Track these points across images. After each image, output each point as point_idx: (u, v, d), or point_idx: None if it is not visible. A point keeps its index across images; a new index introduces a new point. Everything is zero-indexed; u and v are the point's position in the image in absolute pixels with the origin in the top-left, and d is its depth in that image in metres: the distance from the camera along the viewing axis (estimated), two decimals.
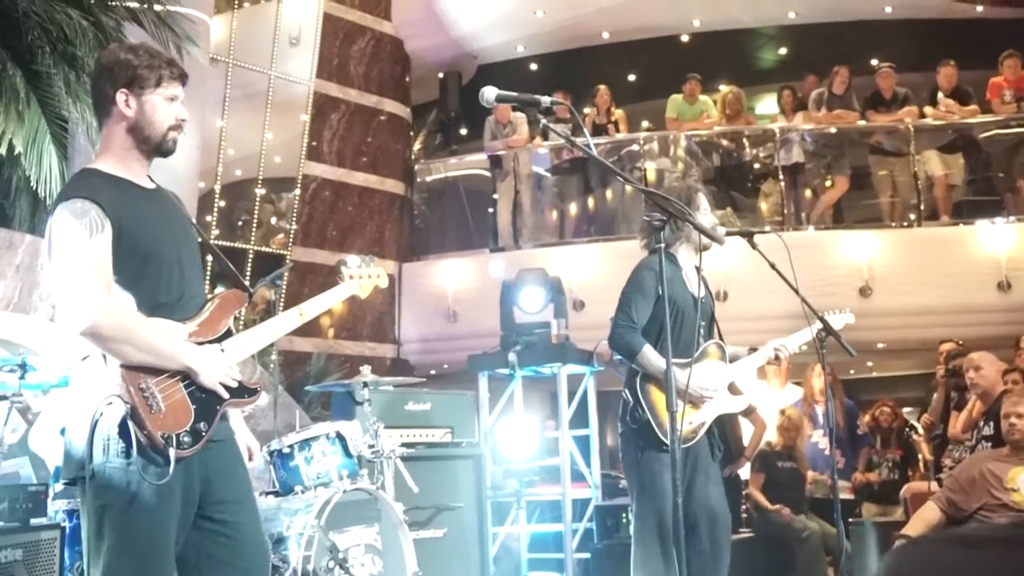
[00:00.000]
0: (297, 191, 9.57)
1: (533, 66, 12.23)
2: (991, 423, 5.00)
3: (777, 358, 3.89)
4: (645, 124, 11.35)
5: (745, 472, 6.51)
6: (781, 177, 9.46)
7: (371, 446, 4.16)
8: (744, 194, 9.78)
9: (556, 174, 10.20)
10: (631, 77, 12.43)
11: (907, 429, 6.91)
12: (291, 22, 9.66)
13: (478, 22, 11.27)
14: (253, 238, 9.26)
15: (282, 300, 8.71)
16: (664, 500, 3.51)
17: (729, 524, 3.78)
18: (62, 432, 2.45)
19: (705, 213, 3.80)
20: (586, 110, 10.15)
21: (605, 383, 6.30)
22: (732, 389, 3.85)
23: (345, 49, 10.35)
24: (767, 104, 11.88)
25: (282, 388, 6.49)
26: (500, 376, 5.97)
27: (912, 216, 9.24)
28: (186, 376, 2.41)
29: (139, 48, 2.58)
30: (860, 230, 9.12)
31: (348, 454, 4.07)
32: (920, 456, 6.81)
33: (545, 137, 9.92)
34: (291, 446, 3.99)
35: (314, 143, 9.85)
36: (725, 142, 9.84)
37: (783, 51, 12.46)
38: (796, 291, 3.43)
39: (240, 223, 9.37)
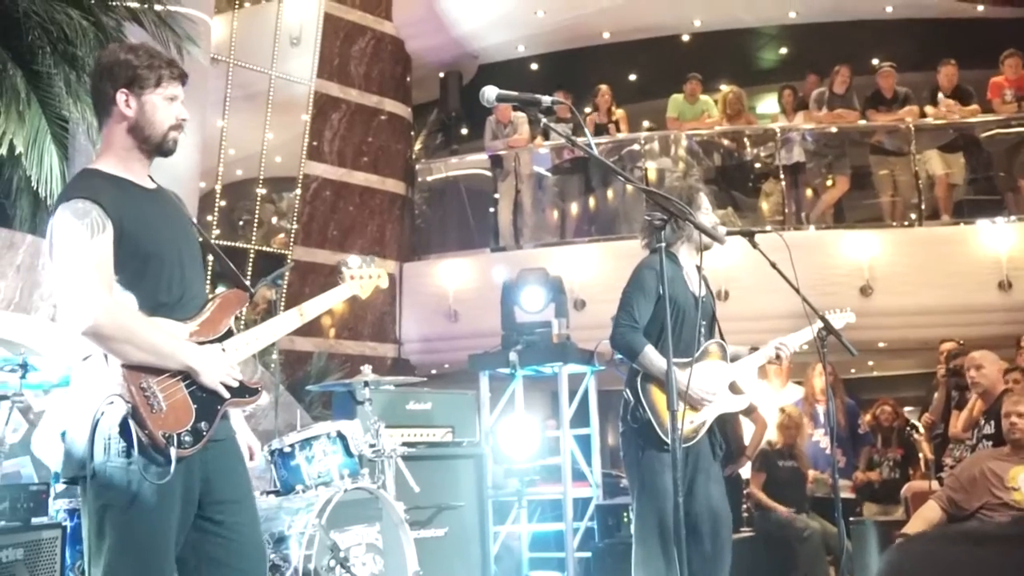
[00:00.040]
0: (298, 191, 9.57)
1: (534, 66, 12.22)
2: (992, 422, 5.00)
3: (778, 357, 3.88)
4: (646, 124, 11.34)
5: (746, 471, 6.51)
6: (782, 177, 9.46)
7: (372, 445, 4.17)
8: (745, 194, 9.78)
9: (557, 174, 10.19)
10: (632, 77, 12.43)
11: (908, 428, 6.90)
12: (292, 22, 9.65)
13: (479, 22, 11.26)
14: (254, 238, 9.26)
15: (283, 300, 8.70)
16: (665, 499, 3.50)
17: (730, 523, 3.78)
18: (63, 436, 2.45)
19: (706, 213, 3.80)
20: (587, 110, 10.15)
21: (606, 382, 6.31)
22: (733, 388, 3.84)
23: (346, 49, 10.34)
24: (768, 104, 11.87)
25: (283, 388, 6.49)
26: (501, 376, 5.98)
27: (913, 216, 9.24)
28: (187, 376, 2.42)
29: (139, 48, 2.58)
30: (861, 229, 9.11)
31: (349, 453, 4.07)
32: (921, 455, 6.82)
33: (546, 137, 9.91)
34: (292, 445, 4.00)
35: (315, 143, 9.86)
36: (726, 142, 9.83)
37: (784, 51, 12.45)
38: (797, 290, 3.44)
39: (241, 223, 9.37)
